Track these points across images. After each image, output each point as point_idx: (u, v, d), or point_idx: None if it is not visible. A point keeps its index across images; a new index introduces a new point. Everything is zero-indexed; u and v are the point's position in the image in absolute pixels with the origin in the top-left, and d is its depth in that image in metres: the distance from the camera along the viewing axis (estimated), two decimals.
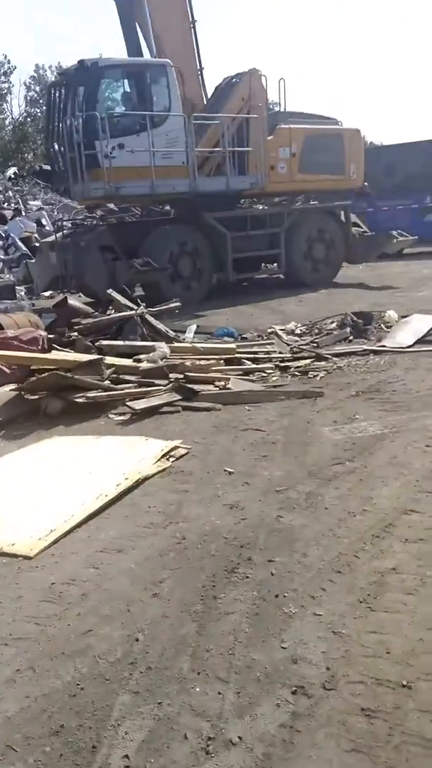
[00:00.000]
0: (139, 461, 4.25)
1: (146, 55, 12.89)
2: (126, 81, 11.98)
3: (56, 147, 11.93)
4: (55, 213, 20.06)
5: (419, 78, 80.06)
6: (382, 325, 8.00)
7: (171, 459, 4.34)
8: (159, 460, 4.28)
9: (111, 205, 15.09)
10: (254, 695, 2.14)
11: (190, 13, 13.44)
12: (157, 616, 2.63)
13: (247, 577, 2.85)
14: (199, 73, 13.70)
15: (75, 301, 8.30)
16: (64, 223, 13.65)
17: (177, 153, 11.52)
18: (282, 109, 13.52)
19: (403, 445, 4.16)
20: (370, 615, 2.50)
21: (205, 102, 13.41)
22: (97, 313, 8.21)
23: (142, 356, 6.56)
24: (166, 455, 4.35)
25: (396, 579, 2.71)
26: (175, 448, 4.47)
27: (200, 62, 13.74)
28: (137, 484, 3.96)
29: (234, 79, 13.00)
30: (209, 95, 13.53)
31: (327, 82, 70.77)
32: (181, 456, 4.38)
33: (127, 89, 12.00)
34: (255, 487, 3.78)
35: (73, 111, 11.21)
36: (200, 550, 3.12)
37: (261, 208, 13.80)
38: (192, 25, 13.48)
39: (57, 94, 11.96)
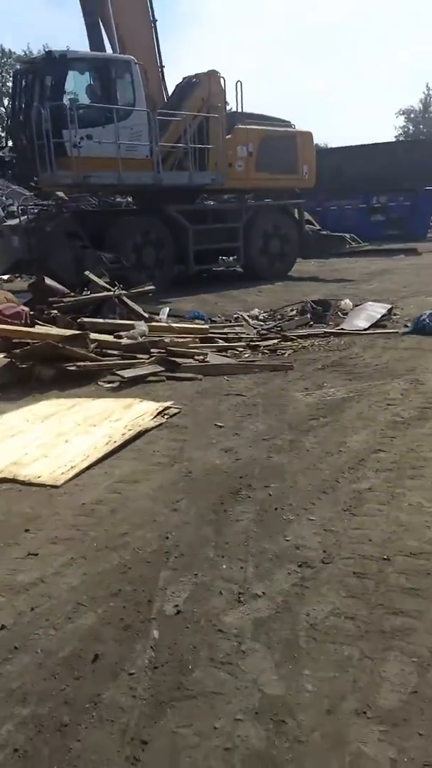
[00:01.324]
0: (137, 417, 4.79)
1: (108, 51, 13.35)
2: (92, 74, 12.37)
3: (21, 135, 12.22)
4: (4, 199, 20.15)
5: (365, 83, 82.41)
6: (338, 312, 8.75)
7: (165, 416, 4.90)
8: (155, 416, 4.84)
9: (60, 194, 15.34)
10: (269, 568, 2.75)
11: (151, 12, 13.98)
12: (179, 523, 3.20)
13: (249, 497, 3.45)
14: (159, 70, 14.26)
15: (50, 280, 8.68)
16: (29, 208, 13.91)
17: (141, 146, 12.05)
18: (239, 110, 14.15)
19: (367, 405, 4.86)
20: (353, 518, 3.15)
21: (165, 99, 13.97)
22: (73, 293, 8.64)
23: (122, 333, 7.07)
24: (161, 413, 4.91)
25: (371, 495, 3.37)
26: (168, 407, 5.03)
27: (161, 60, 14.33)
28: (139, 434, 4.50)
29: (194, 79, 13.59)
30: (170, 93, 14.10)
31: (276, 84, 72.09)
32: (174, 414, 4.95)
33: (93, 82, 12.39)
34: (244, 437, 4.39)
35: (41, 100, 11.57)
36: (206, 480, 3.71)
37: (212, 204, 14.43)
38: (153, 24, 14.02)
39: (23, 83, 12.26)
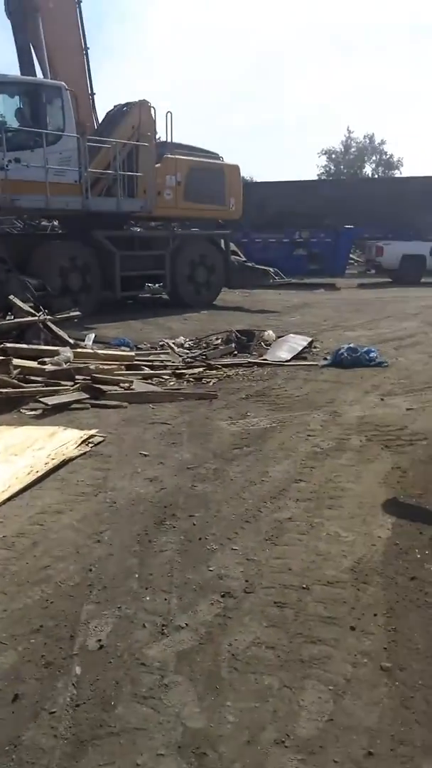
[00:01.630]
0: (61, 445, 4.74)
1: (39, 76, 13.34)
2: (22, 98, 12.31)
3: None
4: None
5: (288, 122, 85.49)
6: (262, 343, 8.95)
7: (90, 445, 4.87)
8: (79, 445, 4.80)
9: None
10: (192, 599, 2.78)
11: (83, 40, 14.09)
12: (103, 555, 3.19)
13: (174, 527, 3.48)
14: (90, 97, 14.35)
15: None
16: None
17: (70, 171, 12.05)
18: (169, 140, 14.38)
19: (289, 435, 4.99)
20: (275, 548, 3.23)
21: (95, 126, 14.05)
22: None
23: (47, 359, 6.99)
24: (85, 441, 4.87)
25: (292, 525, 3.47)
26: (92, 435, 5.00)
27: (92, 87, 14.41)
28: (62, 464, 4.45)
29: (125, 107, 13.75)
30: (100, 120, 14.20)
31: (203, 119, 73.80)
32: (99, 443, 4.92)
33: (23, 106, 12.32)
34: (169, 466, 4.42)
35: None
36: (131, 510, 3.71)
37: (137, 230, 14.54)
38: (85, 52, 14.13)
39: None
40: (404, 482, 4.03)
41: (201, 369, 7.43)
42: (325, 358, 7.82)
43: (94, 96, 14.34)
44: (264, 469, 4.30)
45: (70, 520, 3.59)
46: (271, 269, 15.18)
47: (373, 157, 53.30)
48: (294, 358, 8.00)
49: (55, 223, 15.38)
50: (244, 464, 4.41)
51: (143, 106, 13.45)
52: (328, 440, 4.84)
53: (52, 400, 5.87)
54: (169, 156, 13.87)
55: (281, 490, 3.93)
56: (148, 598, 2.79)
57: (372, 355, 7.54)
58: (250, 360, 7.89)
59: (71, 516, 3.64)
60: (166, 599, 2.78)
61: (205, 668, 2.34)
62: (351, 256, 23.71)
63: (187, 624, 2.60)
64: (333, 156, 53.03)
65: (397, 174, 49.48)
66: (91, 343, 8.32)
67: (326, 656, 2.39)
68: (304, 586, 2.86)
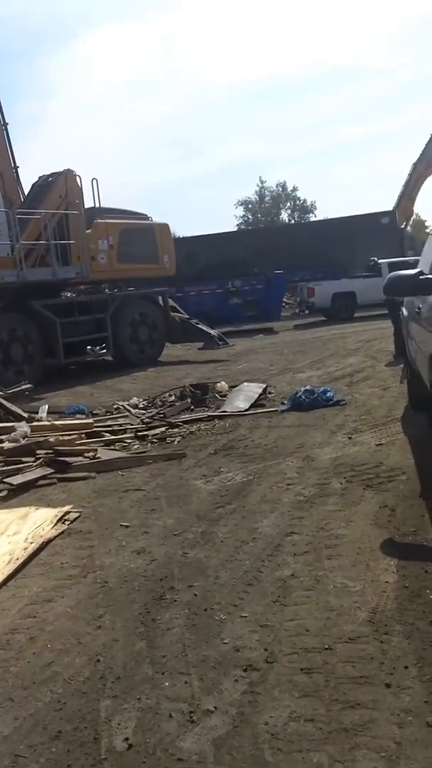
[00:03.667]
0: (36, 527, 4.52)
1: None
2: None
3: None
4: None
5: (200, 174, 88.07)
6: (216, 395, 8.94)
7: (66, 522, 4.66)
8: (55, 524, 4.59)
9: None
10: (214, 678, 2.64)
11: (1, 115, 14.18)
12: (108, 641, 3.01)
13: (175, 601, 3.33)
14: (14, 170, 14.37)
15: None
16: None
17: (1, 245, 11.97)
18: (97, 205, 14.52)
19: (269, 486, 4.93)
20: (285, 609, 3.12)
21: (21, 198, 14.06)
22: None
23: (3, 437, 6.74)
24: (61, 519, 4.67)
25: (296, 582, 3.37)
26: (68, 512, 4.80)
27: (14, 160, 14.45)
28: (42, 546, 4.24)
29: (50, 178, 13.86)
30: (26, 192, 14.23)
31: (120, 177, 75.14)
32: (75, 519, 4.72)
33: None
34: (154, 535, 4.27)
35: None
36: (125, 588, 3.54)
37: (74, 296, 14.43)
38: (4, 127, 14.21)
39: None
40: (395, 521, 4.01)
41: (162, 428, 7.31)
42: (283, 403, 7.85)
43: (18, 169, 14.41)
44: (252, 525, 4.21)
45: (64, 607, 3.39)
46: (214, 332, 15.14)
47: (288, 204, 55.38)
48: (252, 406, 7.99)
49: None
50: (230, 523, 4.30)
51: (69, 175, 13.60)
52: (309, 487, 4.80)
53: (16, 480, 5.64)
54: (99, 221, 14.00)
55: (276, 545, 3.84)
56: (167, 684, 2.63)
57: (329, 394, 7.63)
58: (209, 413, 7.84)
59: (64, 603, 3.44)
60: (186, 682, 2.63)
61: (247, 753, 2.20)
62: (283, 300, 24.27)
63: (215, 707, 2.45)
64: (249, 206, 54.78)
65: (312, 218, 51.49)
66: (45, 414, 8.12)
67: (369, 720, 2.29)
68: (327, 646, 2.76)
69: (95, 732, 2.38)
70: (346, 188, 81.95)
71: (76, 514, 4.79)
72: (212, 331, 15.02)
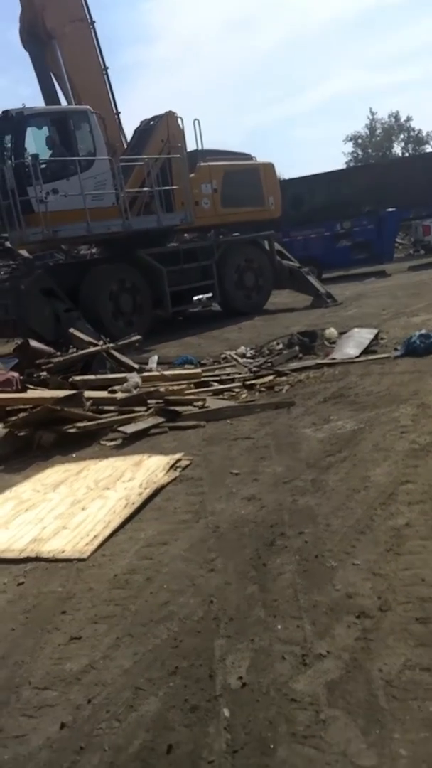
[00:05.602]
0: (150, 473, 4.68)
1: (63, 103, 13.53)
2: (51, 128, 12.45)
3: None
4: None
5: (304, 112, 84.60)
6: (325, 342, 8.75)
7: (178, 469, 4.79)
8: (168, 471, 4.73)
9: (24, 252, 15.21)
10: (326, 623, 2.64)
11: (101, 60, 14.18)
12: (220, 584, 3.08)
13: (286, 547, 3.35)
14: (116, 117, 14.43)
15: (36, 342, 8.58)
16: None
17: (107, 195, 12.14)
18: (199, 148, 14.33)
19: (381, 435, 4.80)
20: (399, 558, 3.06)
21: (125, 145, 14.13)
22: (59, 352, 8.54)
23: (116, 387, 6.98)
24: (173, 466, 4.80)
25: (411, 531, 3.29)
26: (179, 459, 4.93)
27: (116, 106, 14.49)
28: (156, 492, 4.39)
29: (152, 122, 13.77)
30: (128, 138, 14.28)
31: (220, 121, 73.79)
32: (186, 466, 4.84)
33: (53, 136, 12.46)
34: (264, 482, 4.29)
35: (2, 159, 11.63)
36: (236, 533, 3.60)
37: (176, 245, 14.37)
38: (105, 71, 14.22)
39: None
40: None
41: (270, 377, 7.28)
42: (396, 349, 7.56)
43: (120, 115, 14.45)
44: (364, 473, 4.13)
45: (178, 550, 3.50)
46: (323, 290, 14.44)
47: (401, 136, 52.16)
48: (363, 353, 7.76)
49: (94, 249, 15.51)
50: (341, 471, 4.24)
51: (170, 118, 13.44)
52: (425, 435, 4.62)
53: (130, 428, 5.84)
54: (202, 164, 13.81)
55: (389, 494, 3.75)
56: (279, 627, 2.67)
57: None
58: (318, 361, 7.70)
59: (178, 546, 3.55)
60: (298, 626, 2.65)
61: (361, 699, 2.20)
62: (396, 239, 23.12)
63: (328, 651, 2.46)
64: (359, 141, 52.13)
65: (429, 149, 48.32)
66: (155, 365, 8.30)
67: None
68: None
69: (210, 669, 2.46)
70: None
71: (188, 462, 4.91)
72: (321, 288, 14.52)
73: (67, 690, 2.46)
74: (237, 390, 6.97)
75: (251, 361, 8.50)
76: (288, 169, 63.56)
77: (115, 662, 2.59)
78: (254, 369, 7.84)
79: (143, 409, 6.41)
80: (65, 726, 2.26)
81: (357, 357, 7.61)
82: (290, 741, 2.07)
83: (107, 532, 3.84)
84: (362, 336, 8.42)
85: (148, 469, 4.77)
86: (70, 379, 7.18)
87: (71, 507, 4.30)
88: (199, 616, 2.84)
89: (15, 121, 11.63)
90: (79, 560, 3.56)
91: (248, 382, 7.14)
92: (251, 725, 2.16)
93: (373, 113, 52.08)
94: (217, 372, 7.87)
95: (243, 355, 8.94)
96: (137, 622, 2.86)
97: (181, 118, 13.41)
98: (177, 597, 3.02)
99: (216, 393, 6.92)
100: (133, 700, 2.36)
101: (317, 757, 1.99)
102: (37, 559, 3.63)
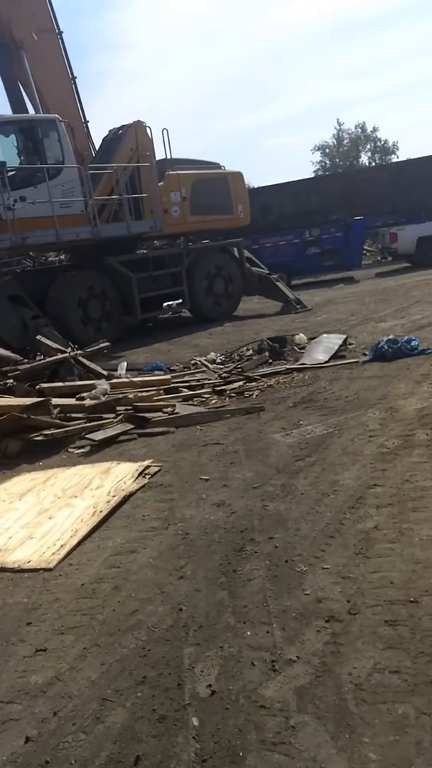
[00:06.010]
0: (119, 481, 4.62)
1: (31, 111, 13.44)
2: (18, 136, 12.34)
3: None
4: None
5: (270, 122, 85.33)
6: (295, 347, 8.80)
7: (147, 476, 4.74)
8: (137, 478, 4.67)
9: None
10: (296, 628, 2.63)
11: (69, 69, 14.13)
12: (190, 591, 3.05)
13: (256, 552, 3.33)
14: (84, 125, 14.38)
15: (1, 350, 8.44)
16: None
17: (75, 202, 12.08)
18: (168, 157, 14.34)
19: (349, 439, 4.82)
20: (368, 561, 3.06)
21: (93, 154, 14.08)
22: (26, 360, 8.42)
23: (84, 394, 6.90)
24: (142, 473, 4.75)
25: (379, 534, 3.30)
26: (148, 466, 4.88)
27: (84, 115, 14.45)
28: (124, 499, 4.33)
29: (120, 131, 13.75)
30: (97, 147, 14.24)
31: (188, 129, 74.00)
32: (155, 473, 4.79)
33: (20, 144, 12.36)
34: (233, 488, 4.27)
35: None
36: (206, 540, 3.56)
37: (146, 252, 14.32)
38: (73, 81, 14.18)
39: None
40: None
41: (240, 383, 7.28)
42: (365, 354, 7.63)
43: (88, 124, 14.40)
44: (333, 478, 4.14)
45: (146, 558, 3.46)
46: (292, 296, 14.51)
47: (368, 146, 52.91)
48: (332, 358, 7.82)
49: (62, 256, 15.41)
50: (310, 476, 4.24)
51: (139, 128, 13.44)
52: (392, 438, 4.66)
53: (98, 435, 5.77)
54: (171, 172, 13.83)
55: (358, 498, 3.76)
56: (249, 633, 2.64)
57: (414, 343, 7.34)
58: (287, 366, 7.73)
59: (146, 553, 3.51)
60: (268, 632, 2.63)
61: (331, 703, 2.18)
62: (364, 247, 23.40)
63: (298, 656, 2.44)
64: (327, 151, 52.72)
65: (394, 159, 49.04)
66: (124, 372, 8.24)
67: None
68: (412, 599, 2.69)
69: (179, 678, 2.43)
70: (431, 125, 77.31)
71: (157, 468, 4.86)
72: (290, 294, 14.58)
73: (32, 703, 2.40)
74: (207, 396, 6.95)
75: (221, 366, 8.50)
76: (257, 177, 64.07)
77: (82, 673, 2.54)
78: (224, 375, 7.84)
79: (112, 416, 6.34)
80: (30, 740, 2.20)
81: (326, 362, 7.66)
82: (260, 748, 2.04)
83: (74, 541, 3.78)
84: (331, 341, 8.48)
85: (116, 477, 4.72)
86: (38, 387, 7.07)
87: (38, 516, 4.23)
88: (167, 624, 2.80)
89: None
90: (46, 570, 3.50)
91: (218, 388, 7.12)
92: (220, 733, 2.13)
93: (340, 123, 52.89)
94: (186, 378, 7.84)
95: (213, 361, 8.93)
96: (104, 632, 2.81)
97: (149, 127, 13.44)
98: (145, 605, 2.98)
99: (186, 399, 6.89)
100: (100, 711, 2.30)
101: (287, 764, 1.96)
102: (2, 569, 3.55)
